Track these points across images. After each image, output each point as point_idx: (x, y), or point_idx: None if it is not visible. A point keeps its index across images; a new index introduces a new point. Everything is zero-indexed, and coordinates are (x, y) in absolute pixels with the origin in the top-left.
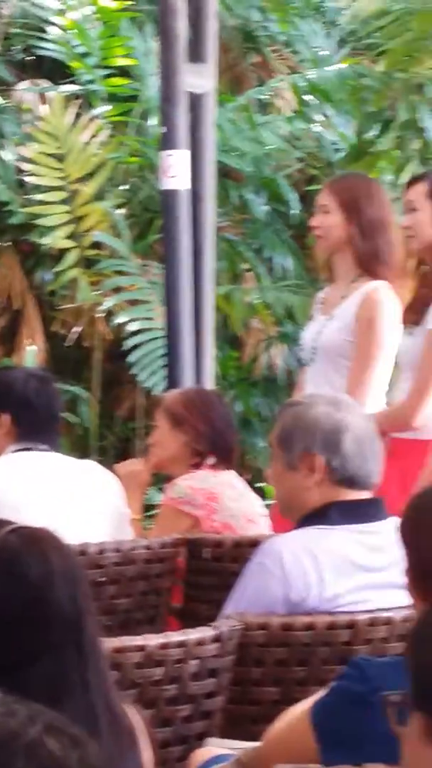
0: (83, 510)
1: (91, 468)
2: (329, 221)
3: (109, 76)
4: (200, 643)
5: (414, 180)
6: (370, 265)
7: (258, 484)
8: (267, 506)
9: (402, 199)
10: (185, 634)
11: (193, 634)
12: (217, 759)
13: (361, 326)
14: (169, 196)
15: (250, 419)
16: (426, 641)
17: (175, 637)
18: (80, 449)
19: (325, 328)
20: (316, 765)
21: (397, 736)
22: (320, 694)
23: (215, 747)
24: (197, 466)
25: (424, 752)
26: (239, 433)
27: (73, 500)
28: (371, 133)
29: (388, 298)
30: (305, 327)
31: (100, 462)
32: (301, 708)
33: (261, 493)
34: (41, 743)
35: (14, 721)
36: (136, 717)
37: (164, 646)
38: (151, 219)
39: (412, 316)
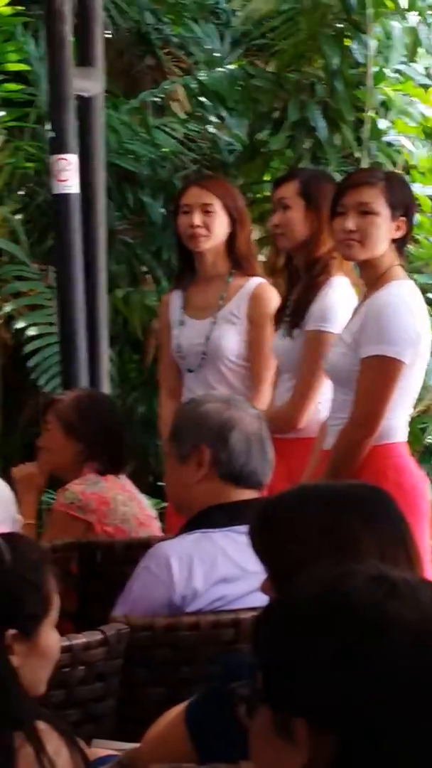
0: None
1: None
2: (213, 220)
3: (3, 81)
4: (87, 647)
5: (284, 178)
6: (247, 262)
7: (160, 484)
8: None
9: (272, 197)
10: (71, 639)
11: (80, 639)
12: (102, 760)
13: (255, 324)
14: (61, 201)
15: (152, 421)
16: (268, 633)
17: (62, 642)
18: None
19: (213, 332)
20: (192, 765)
21: (247, 730)
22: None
23: (101, 748)
24: (89, 470)
25: (269, 745)
26: (142, 435)
27: None
28: (264, 133)
29: (274, 294)
30: (174, 333)
31: (3, 468)
32: (178, 709)
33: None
34: None
35: None
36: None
37: None
38: (49, 224)
39: (289, 317)
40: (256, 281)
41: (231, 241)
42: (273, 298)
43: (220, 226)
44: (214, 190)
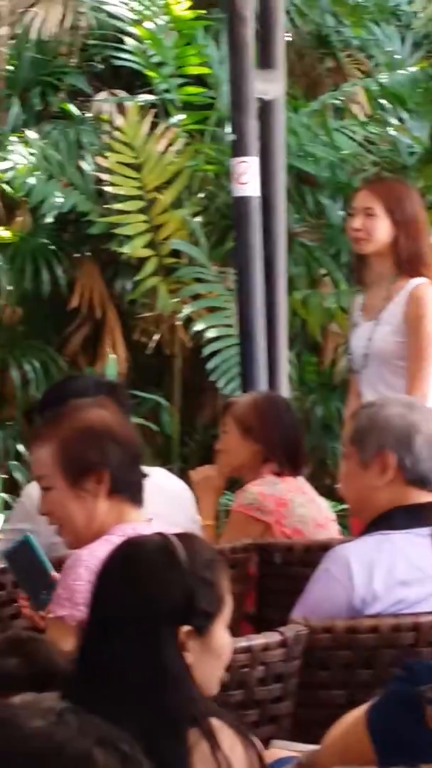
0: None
1: (159, 476)
2: (374, 224)
3: (184, 84)
4: (266, 648)
5: None
6: (411, 265)
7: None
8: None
9: None
10: (250, 640)
11: (259, 640)
12: (281, 762)
13: (410, 325)
14: (241, 203)
15: (331, 424)
16: None
17: (241, 642)
18: (162, 457)
19: (374, 333)
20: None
21: None
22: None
23: (280, 749)
24: (267, 472)
25: None
26: (320, 438)
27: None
28: None
29: None
30: (351, 334)
31: (182, 469)
32: (358, 711)
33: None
34: (89, 756)
35: (64, 731)
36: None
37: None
38: (228, 226)
39: None
40: (415, 282)
41: (395, 244)
42: (431, 298)
43: (381, 230)
44: (379, 194)
